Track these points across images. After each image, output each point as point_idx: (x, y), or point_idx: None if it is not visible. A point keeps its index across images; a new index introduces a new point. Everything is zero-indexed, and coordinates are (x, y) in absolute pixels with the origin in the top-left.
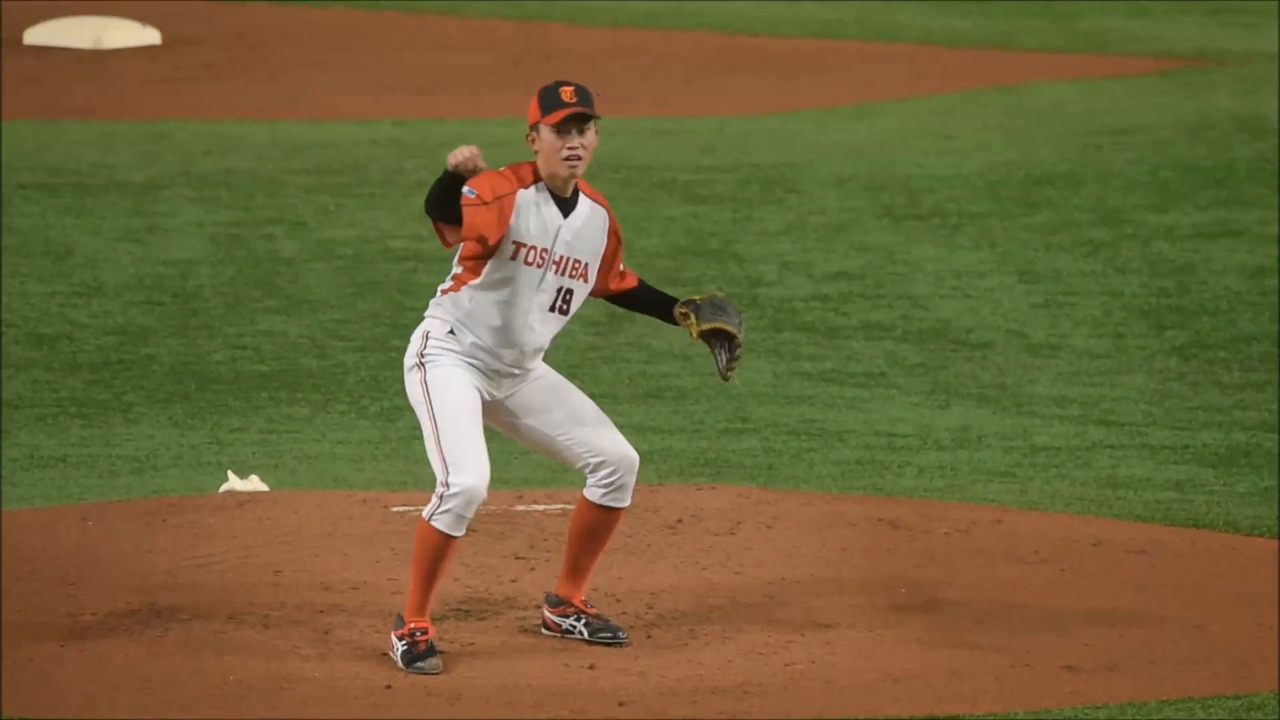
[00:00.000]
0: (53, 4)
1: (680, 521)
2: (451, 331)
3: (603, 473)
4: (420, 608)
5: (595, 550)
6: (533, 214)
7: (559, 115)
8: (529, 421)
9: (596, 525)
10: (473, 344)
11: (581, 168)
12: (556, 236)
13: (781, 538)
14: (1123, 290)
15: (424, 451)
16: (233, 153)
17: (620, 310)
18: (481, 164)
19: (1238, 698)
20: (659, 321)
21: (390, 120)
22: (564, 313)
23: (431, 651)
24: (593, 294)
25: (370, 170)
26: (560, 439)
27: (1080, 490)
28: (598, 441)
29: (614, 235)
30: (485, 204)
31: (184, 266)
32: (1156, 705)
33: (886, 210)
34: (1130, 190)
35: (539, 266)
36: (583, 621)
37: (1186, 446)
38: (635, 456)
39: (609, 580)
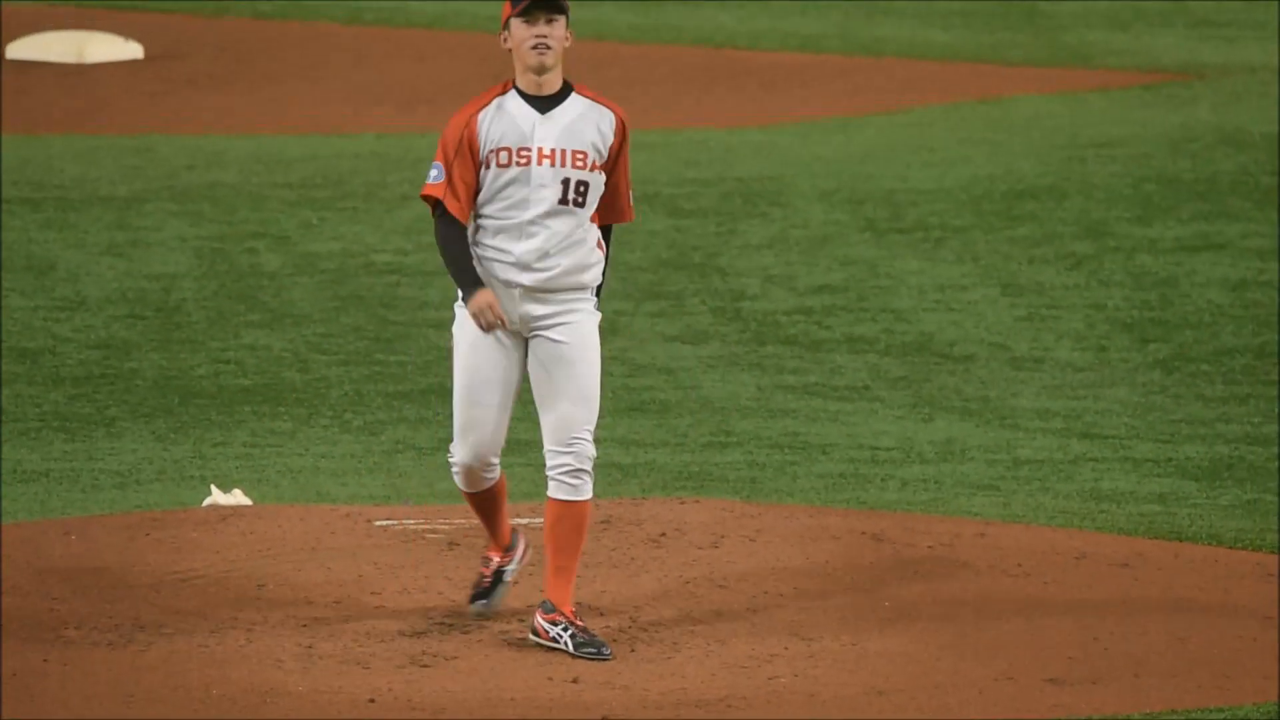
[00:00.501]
0: (35, 18)
1: (664, 535)
2: (476, 261)
3: (552, 460)
4: (493, 538)
5: (568, 549)
6: (500, 121)
7: (526, 3)
8: (533, 378)
9: (557, 520)
10: (488, 261)
11: (551, 58)
12: (534, 132)
13: (765, 551)
14: (1106, 303)
15: (407, 465)
16: (216, 166)
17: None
18: (499, 319)
19: (1221, 710)
20: (643, 335)
21: (373, 134)
22: (580, 204)
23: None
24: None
25: (353, 184)
26: (541, 412)
27: (1063, 503)
28: (557, 428)
29: (620, 139)
30: (450, 179)
31: (167, 280)
32: (1140, 718)
33: (869, 223)
34: (1113, 203)
35: (523, 165)
36: (569, 633)
37: (1169, 459)
38: (587, 448)
39: (592, 594)
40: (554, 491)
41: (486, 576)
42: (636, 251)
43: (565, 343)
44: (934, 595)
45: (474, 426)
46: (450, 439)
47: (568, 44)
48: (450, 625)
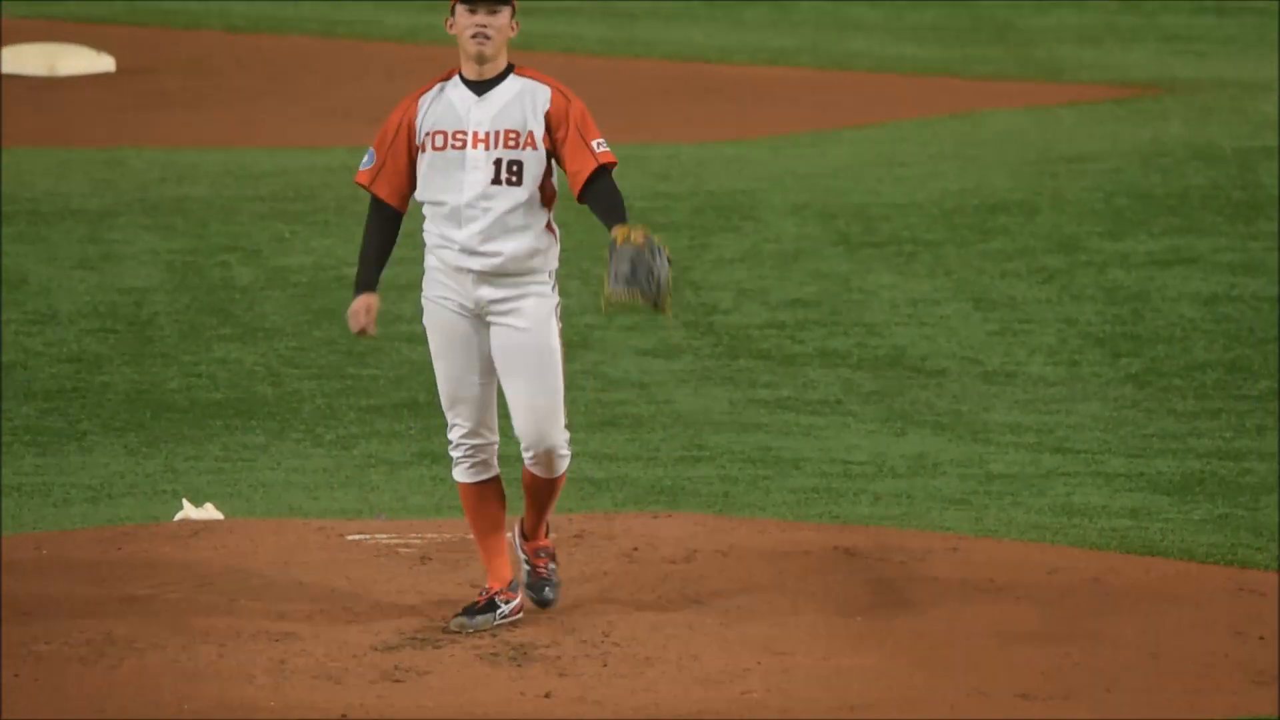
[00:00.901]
0: (7, 31)
1: (636, 549)
2: (429, 250)
3: (525, 451)
4: (485, 559)
5: (540, 506)
6: (438, 105)
7: None
8: (496, 362)
9: (531, 486)
10: (438, 249)
11: (490, 48)
12: (469, 115)
13: (738, 565)
14: (1078, 318)
15: (379, 479)
16: (187, 180)
17: (575, 337)
18: (371, 331)
19: None
20: (616, 349)
21: (344, 148)
22: (515, 184)
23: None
24: (572, 190)
25: (324, 198)
26: (508, 395)
27: (1035, 518)
28: (527, 421)
29: (557, 109)
30: (383, 165)
31: (139, 294)
32: None
33: (842, 238)
34: (1085, 218)
35: (457, 148)
36: (529, 570)
37: (1141, 474)
38: (552, 441)
39: (563, 609)
40: (530, 467)
41: (480, 599)
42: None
43: (522, 329)
44: (906, 610)
45: (462, 402)
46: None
47: (513, 33)
48: (423, 640)
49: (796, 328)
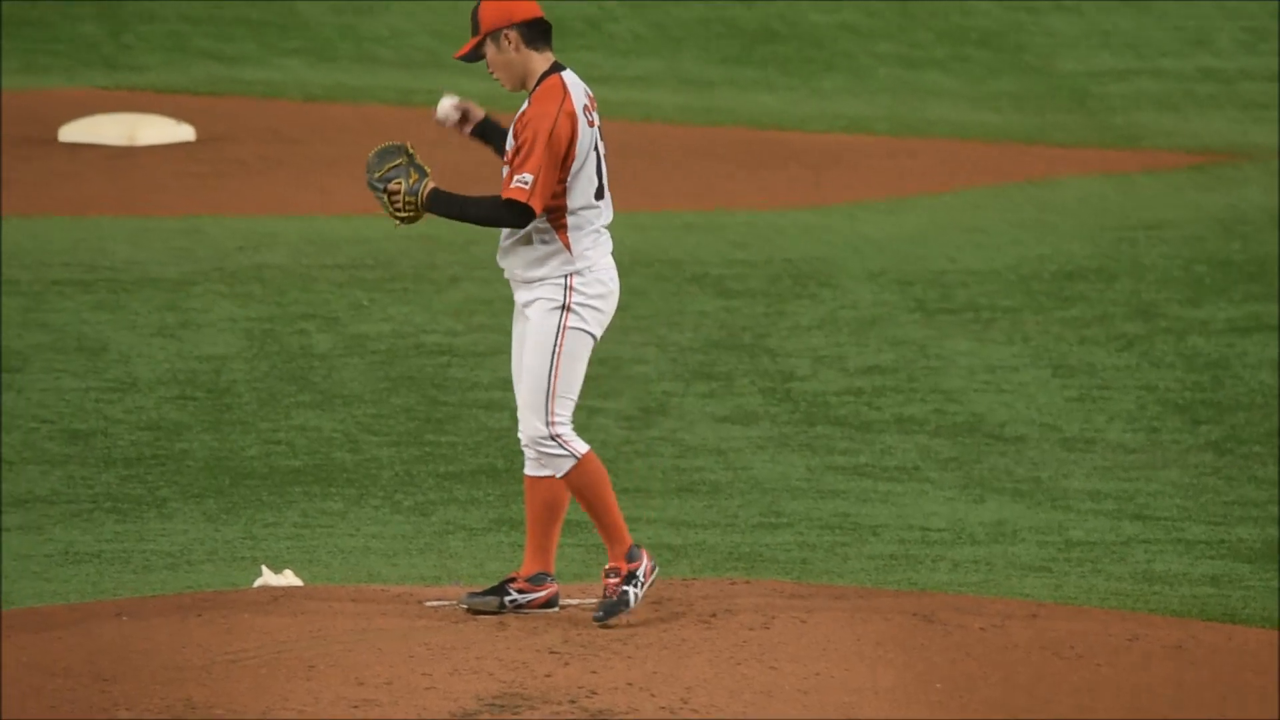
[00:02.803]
0: (88, 101)
1: (714, 616)
2: None
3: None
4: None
5: (588, 513)
6: None
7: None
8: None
9: (530, 492)
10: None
11: (506, 84)
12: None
13: (816, 632)
14: (1157, 384)
15: (457, 546)
16: (265, 248)
17: (653, 404)
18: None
19: None
20: (693, 416)
21: None
22: None
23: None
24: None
25: (402, 265)
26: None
27: (1115, 585)
28: (520, 413)
29: (517, 123)
30: None
31: (217, 362)
32: None
33: (919, 304)
34: (1163, 284)
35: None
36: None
37: (1222, 541)
38: (532, 432)
39: (643, 674)
40: (526, 467)
41: (495, 584)
42: (686, 332)
43: (532, 319)
44: (986, 677)
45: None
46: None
47: (516, 55)
48: (502, 706)
49: (874, 394)
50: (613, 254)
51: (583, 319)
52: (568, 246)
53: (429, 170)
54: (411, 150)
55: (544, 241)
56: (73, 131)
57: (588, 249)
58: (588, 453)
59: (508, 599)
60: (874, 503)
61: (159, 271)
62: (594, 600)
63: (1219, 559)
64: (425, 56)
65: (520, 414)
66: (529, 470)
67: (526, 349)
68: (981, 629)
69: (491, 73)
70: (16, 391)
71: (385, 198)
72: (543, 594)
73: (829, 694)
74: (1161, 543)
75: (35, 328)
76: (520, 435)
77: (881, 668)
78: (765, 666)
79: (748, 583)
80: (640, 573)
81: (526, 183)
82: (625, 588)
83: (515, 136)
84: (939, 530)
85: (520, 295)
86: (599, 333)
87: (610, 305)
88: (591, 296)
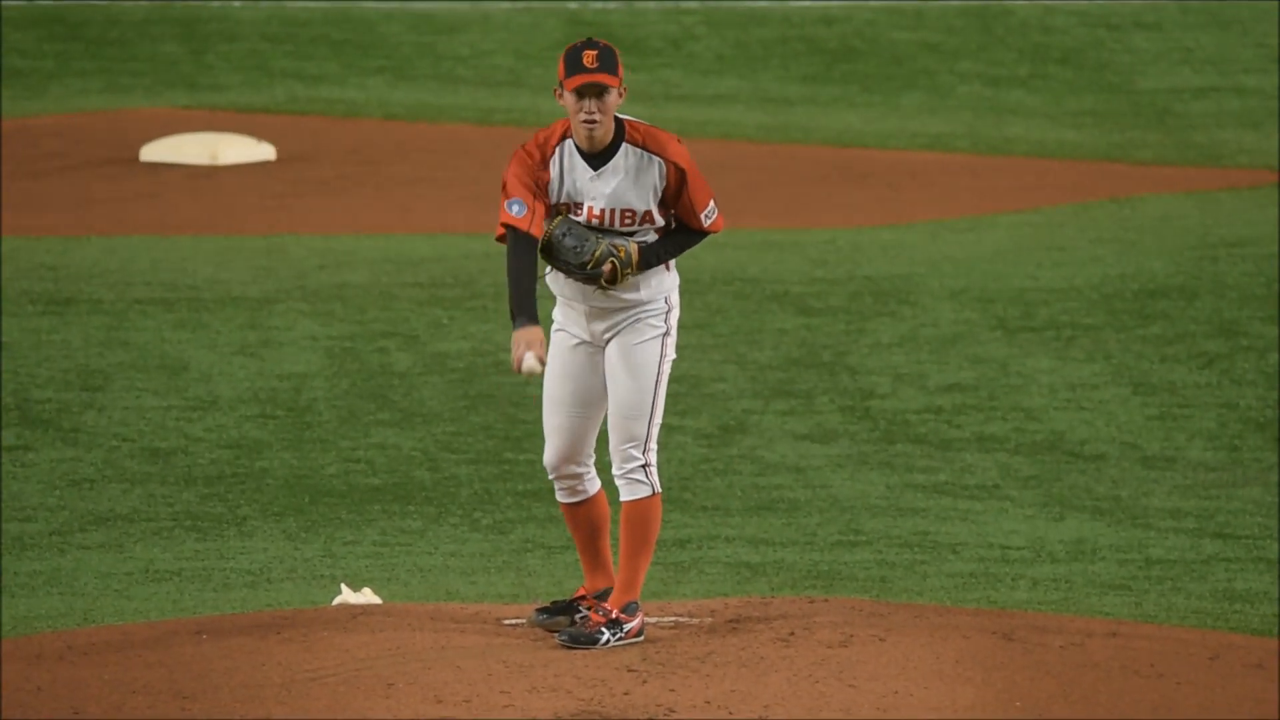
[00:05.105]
0: (169, 121)
1: (792, 634)
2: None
3: (615, 466)
4: (586, 573)
5: (629, 545)
6: (564, 174)
7: (576, 82)
8: (605, 373)
9: (621, 518)
10: (561, 288)
11: (600, 130)
12: (586, 189)
13: (895, 650)
14: (1238, 402)
15: (536, 564)
16: (346, 267)
17: (732, 422)
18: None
19: None
20: (773, 434)
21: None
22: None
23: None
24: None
25: (481, 283)
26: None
27: (1196, 603)
28: (612, 434)
29: (672, 185)
30: (534, 212)
31: (298, 380)
32: None
33: (1000, 322)
34: (1245, 302)
35: (576, 216)
36: (611, 632)
37: None
38: (629, 459)
39: (721, 692)
40: (560, 497)
41: (563, 600)
42: (766, 350)
43: (629, 335)
44: (1066, 696)
45: (555, 432)
46: None
47: (621, 99)
48: None
49: (954, 412)
50: None
51: (675, 344)
52: (667, 266)
53: (620, 249)
54: (589, 226)
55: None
56: (154, 151)
57: (674, 273)
58: (660, 493)
59: (610, 636)
60: (953, 521)
61: (240, 290)
62: (672, 618)
63: None
64: (505, 75)
65: (619, 441)
66: (564, 499)
67: (623, 378)
68: (1061, 647)
69: (592, 115)
70: (98, 410)
71: (602, 279)
72: (637, 623)
73: (908, 712)
74: (1242, 561)
75: (117, 346)
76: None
77: (960, 686)
78: (844, 685)
79: (826, 601)
80: (625, 626)
81: (715, 212)
82: (604, 630)
83: (666, 185)
84: (1018, 548)
85: (597, 324)
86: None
87: None
88: (676, 322)
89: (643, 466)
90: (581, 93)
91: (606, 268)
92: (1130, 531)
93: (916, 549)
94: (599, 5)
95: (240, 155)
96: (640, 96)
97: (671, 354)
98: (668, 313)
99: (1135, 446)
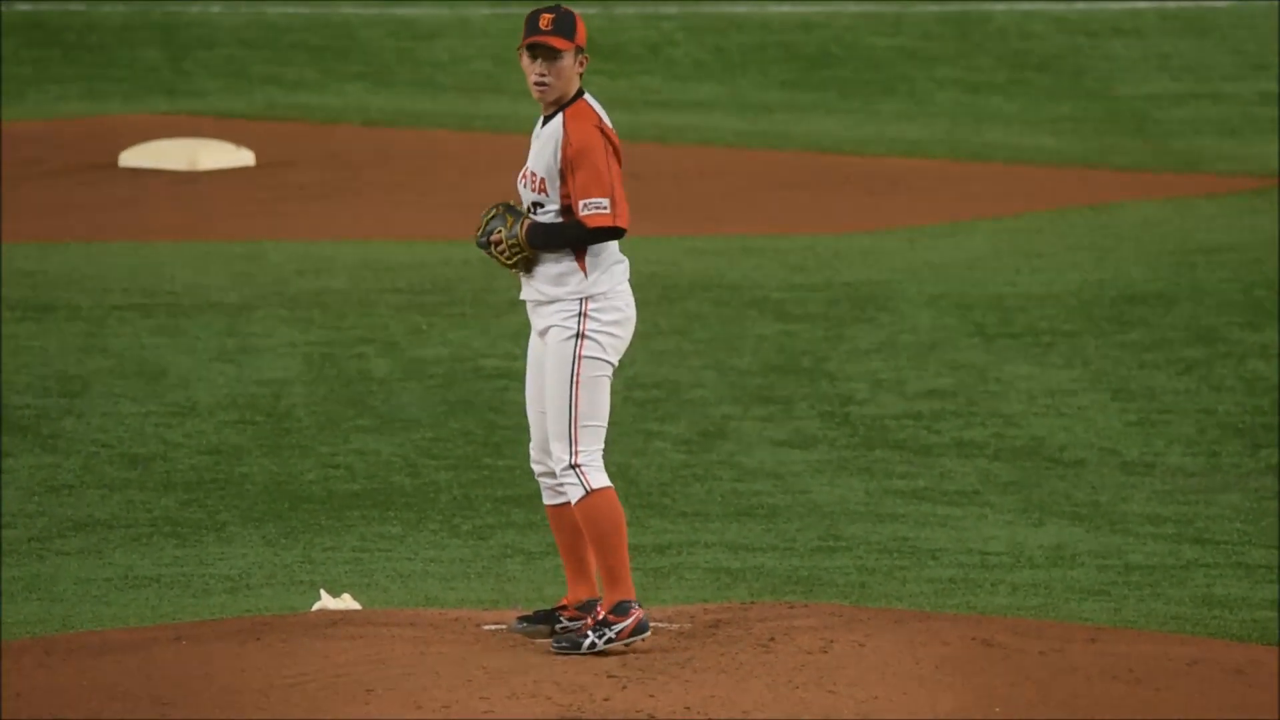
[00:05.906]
0: (148, 126)
1: (772, 639)
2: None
3: (547, 473)
4: (569, 582)
5: (586, 548)
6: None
7: (528, 41)
8: (536, 376)
9: (567, 524)
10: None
11: (551, 94)
12: (528, 151)
13: (874, 656)
14: (1217, 408)
15: (515, 570)
16: (325, 273)
17: (711, 428)
18: None
19: None
20: (752, 440)
21: None
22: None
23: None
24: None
25: (461, 290)
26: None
27: (1175, 609)
28: (549, 439)
29: (565, 149)
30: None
31: (277, 386)
32: None
33: (979, 328)
34: (1224, 309)
35: (520, 181)
36: (597, 636)
37: None
38: (558, 461)
39: (701, 698)
40: (550, 500)
41: (545, 609)
42: (745, 356)
43: (550, 345)
44: (1045, 701)
45: (531, 426)
46: None
47: (581, 69)
48: None
49: (933, 418)
50: (630, 280)
51: (600, 346)
52: (583, 269)
53: (524, 211)
54: (510, 204)
55: (556, 260)
56: (133, 157)
57: (602, 274)
58: (606, 489)
59: (595, 639)
60: (933, 526)
61: (219, 296)
62: (669, 623)
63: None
64: (484, 81)
65: (550, 442)
66: (547, 499)
67: (546, 379)
68: (1041, 653)
69: (542, 76)
70: (77, 416)
71: (492, 249)
72: (630, 622)
73: (888, 717)
74: (1221, 566)
75: (96, 353)
76: (532, 466)
77: (940, 691)
78: (824, 690)
79: (806, 606)
80: (614, 628)
81: (604, 207)
82: (590, 634)
83: (561, 157)
84: (998, 554)
85: (537, 320)
86: (615, 360)
87: (627, 331)
88: (607, 323)
89: (571, 467)
90: (533, 53)
91: (494, 237)
92: (1109, 537)
93: (896, 554)
94: (577, 11)
95: (219, 161)
96: (619, 103)
97: (596, 355)
98: (581, 316)
99: (1114, 452)
